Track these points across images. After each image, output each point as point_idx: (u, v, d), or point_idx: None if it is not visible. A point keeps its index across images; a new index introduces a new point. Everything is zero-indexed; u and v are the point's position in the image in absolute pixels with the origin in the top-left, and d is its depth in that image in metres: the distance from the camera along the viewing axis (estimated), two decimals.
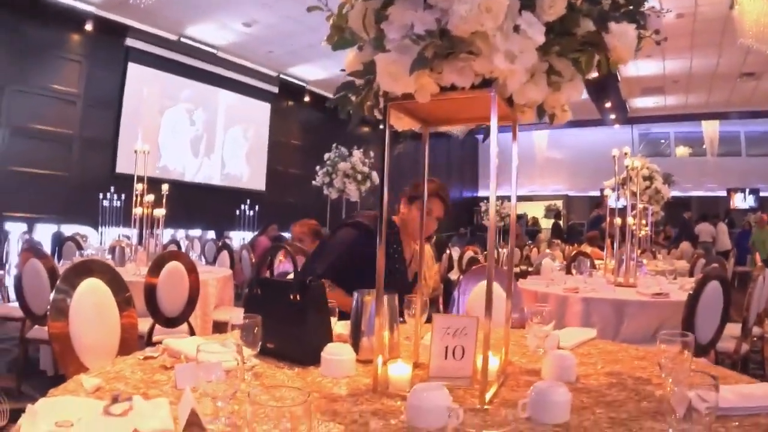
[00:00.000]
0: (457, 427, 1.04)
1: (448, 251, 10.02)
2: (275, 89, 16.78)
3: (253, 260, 6.78)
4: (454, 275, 9.33)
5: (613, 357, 2.05)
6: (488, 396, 1.46)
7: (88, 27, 12.33)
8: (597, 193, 19.05)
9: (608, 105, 16.83)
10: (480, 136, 21.35)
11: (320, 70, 16.06)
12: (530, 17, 1.28)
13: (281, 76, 16.74)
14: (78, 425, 1.23)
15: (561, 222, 18.33)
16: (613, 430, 1.29)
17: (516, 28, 1.26)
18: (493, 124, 1.41)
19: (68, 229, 10.93)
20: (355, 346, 1.86)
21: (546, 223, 20.07)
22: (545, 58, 1.37)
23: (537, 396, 1.33)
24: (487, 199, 19.26)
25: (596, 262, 6.47)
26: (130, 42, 13.25)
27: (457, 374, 1.57)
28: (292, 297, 1.90)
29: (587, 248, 8.74)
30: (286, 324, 1.85)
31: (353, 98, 1.52)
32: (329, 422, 1.29)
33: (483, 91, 1.37)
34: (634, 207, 5.81)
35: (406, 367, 1.55)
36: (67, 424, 1.23)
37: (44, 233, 11.33)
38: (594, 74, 1.51)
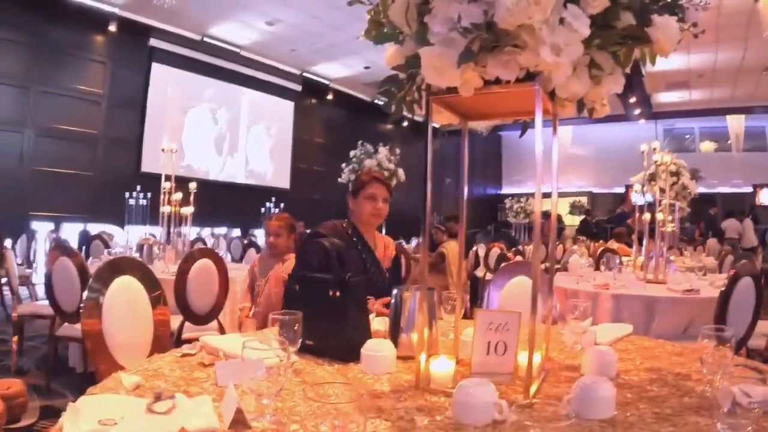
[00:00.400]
0: (508, 422, 1.03)
1: (474, 248, 9.97)
2: (298, 87, 16.85)
3: None
4: (480, 272, 9.30)
5: (650, 353, 2.03)
6: (531, 391, 1.44)
7: (112, 28, 12.49)
8: (622, 190, 18.90)
9: (633, 100, 16.63)
10: (503, 133, 21.26)
11: (343, 67, 16.11)
12: (575, 10, 1.26)
13: (304, 74, 16.80)
14: (121, 423, 1.23)
15: (589, 218, 18.09)
16: (659, 425, 1.28)
17: (561, 21, 1.25)
18: (538, 118, 1.40)
19: (94, 228, 11.06)
20: (394, 342, 1.85)
21: (570, 220, 19.87)
22: (586, 51, 1.36)
23: (582, 391, 1.31)
24: (512, 196, 19.23)
25: (623, 258, 6.41)
26: (153, 42, 13.39)
27: (499, 370, 1.56)
28: (331, 293, 1.89)
29: (614, 244, 8.68)
30: (326, 320, 1.84)
31: (396, 92, 1.51)
32: (375, 419, 1.29)
33: (527, 84, 1.36)
34: (660, 203, 5.74)
35: (449, 362, 1.54)
36: (111, 422, 1.23)
37: (71, 232, 11.48)
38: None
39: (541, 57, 1.22)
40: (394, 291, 1.94)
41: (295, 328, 1.63)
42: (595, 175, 21.59)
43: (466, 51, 1.24)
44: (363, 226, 3.09)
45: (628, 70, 1.46)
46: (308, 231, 3.37)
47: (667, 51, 1.42)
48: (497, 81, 1.37)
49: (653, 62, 1.47)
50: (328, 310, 1.88)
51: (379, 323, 2.18)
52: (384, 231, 10.88)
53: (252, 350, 1.28)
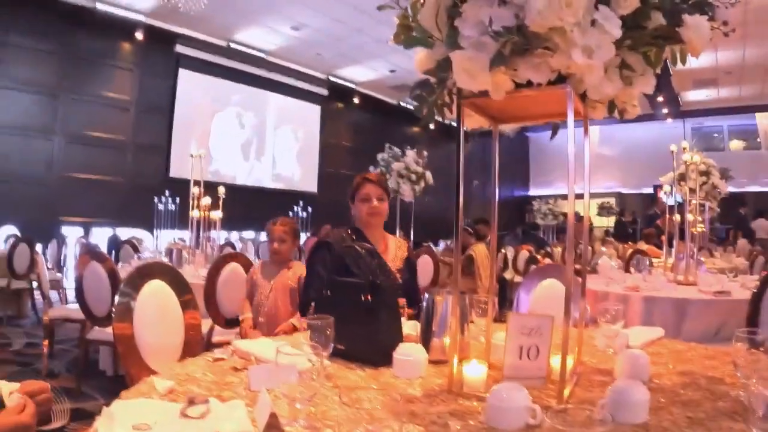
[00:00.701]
0: (542, 427, 1.02)
1: (502, 251, 9.91)
2: (325, 92, 16.93)
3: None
4: (508, 275, 9.25)
5: (683, 356, 2.01)
6: (564, 395, 1.44)
7: (139, 36, 12.67)
8: (650, 190, 18.65)
9: (660, 99, 16.44)
10: (530, 135, 21.14)
11: (369, 71, 16.14)
12: (606, 11, 1.25)
13: (330, 78, 16.87)
14: (155, 428, 1.24)
15: (625, 219, 17.81)
16: (692, 430, 1.27)
17: (593, 23, 1.24)
18: (570, 120, 1.39)
19: (124, 233, 11.21)
20: (426, 346, 1.85)
21: (598, 221, 19.66)
22: (618, 52, 1.34)
23: (616, 395, 1.30)
24: (539, 197, 19.10)
25: (653, 260, 6.33)
26: (180, 49, 13.53)
27: (532, 374, 1.55)
28: (363, 297, 1.89)
29: (643, 246, 8.58)
30: (357, 325, 1.84)
31: (427, 97, 1.51)
32: (408, 423, 1.28)
33: (559, 87, 1.35)
34: (690, 203, 5.67)
35: (481, 367, 1.53)
36: (145, 426, 1.24)
37: (100, 237, 11.64)
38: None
39: (573, 59, 1.21)
40: (426, 294, 1.93)
41: (327, 332, 1.63)
42: (623, 176, 21.34)
43: (498, 55, 1.23)
44: (366, 228, 3.14)
45: (657, 70, 1.44)
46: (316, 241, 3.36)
47: (698, 51, 1.41)
48: (528, 84, 1.36)
49: (684, 62, 1.46)
50: (359, 314, 1.88)
51: (410, 327, 2.18)
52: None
53: (286, 355, 1.28)
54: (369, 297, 1.89)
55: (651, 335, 2.27)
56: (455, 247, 1.60)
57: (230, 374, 1.71)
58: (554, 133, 1.77)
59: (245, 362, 1.78)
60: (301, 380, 1.26)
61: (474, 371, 1.53)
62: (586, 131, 1.70)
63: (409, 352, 1.72)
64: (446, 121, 1.58)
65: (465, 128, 1.76)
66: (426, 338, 1.90)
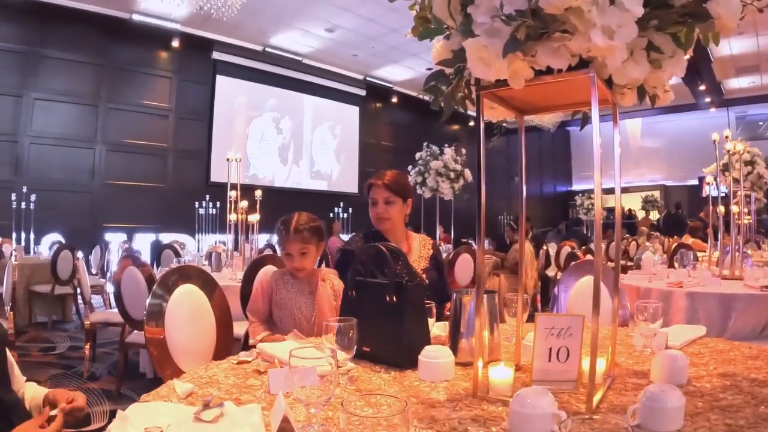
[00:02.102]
0: None
1: (544, 247, 9.78)
2: (362, 92, 17.03)
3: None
4: (551, 272, 9.13)
5: (725, 356, 1.90)
6: (595, 401, 1.36)
7: (175, 44, 12.92)
8: (695, 182, 18.21)
9: (702, 88, 16.01)
10: (571, 128, 20.82)
11: (406, 70, 16.15)
12: None
13: (367, 78, 16.94)
14: (167, 431, 1.23)
15: (681, 211, 17.33)
16: None
17: (612, 1, 1.16)
18: (594, 107, 1.31)
19: (166, 237, 11.38)
20: (454, 348, 1.79)
21: (643, 215, 19.23)
22: (643, 33, 1.26)
23: (648, 402, 1.22)
24: (582, 192, 18.81)
25: (699, 254, 6.15)
26: (216, 55, 13.75)
27: (562, 377, 1.47)
28: (388, 298, 1.85)
29: (688, 240, 8.36)
30: (383, 326, 1.80)
31: (444, 89, 1.45)
32: (427, 429, 1.23)
33: (581, 72, 1.27)
34: (735, 194, 5.48)
35: (508, 370, 1.47)
36: (156, 430, 1.23)
37: (143, 242, 11.85)
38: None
39: (592, 41, 1.13)
40: (454, 294, 1.87)
41: (350, 334, 1.60)
42: (668, 168, 20.86)
43: (512, 40, 1.17)
44: (384, 232, 3.08)
45: (690, 54, 1.36)
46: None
47: (729, 28, 1.31)
48: (549, 70, 1.29)
49: (716, 42, 1.36)
50: (384, 315, 1.84)
51: (439, 328, 2.13)
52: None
53: (300, 358, 1.24)
54: (394, 298, 1.84)
55: (692, 334, 2.17)
56: (479, 247, 1.54)
57: (252, 377, 1.68)
58: (584, 124, 1.69)
59: (269, 365, 1.76)
60: (321, 384, 1.23)
61: (500, 374, 1.46)
62: (615, 119, 1.62)
63: (435, 354, 1.66)
64: (486, 117, 1.50)
65: (490, 120, 1.71)
66: (454, 339, 1.84)
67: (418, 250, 3.13)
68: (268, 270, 4.34)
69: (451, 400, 1.44)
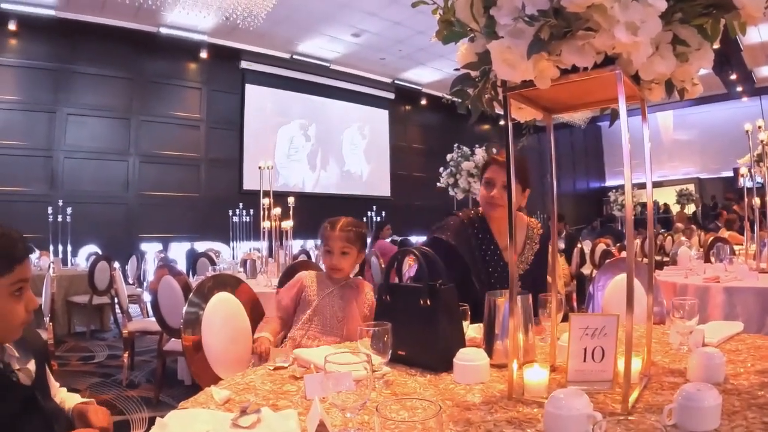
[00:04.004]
0: None
1: (579, 245, 9.67)
2: (391, 95, 17.08)
3: (383, 265, 6.83)
4: (586, 270, 9.02)
5: (763, 353, 1.85)
6: (631, 401, 1.34)
7: (204, 55, 13.13)
8: (730, 174, 17.87)
9: (733, 77, 15.72)
10: (602, 124, 20.59)
11: (434, 72, 16.15)
12: None
13: (396, 81, 17.00)
14: None
15: (718, 202, 16.97)
16: None
17: None
18: (622, 103, 1.29)
19: (201, 246, 11.52)
20: (489, 350, 1.79)
21: (677, 210, 18.92)
22: (668, 27, 1.25)
23: (684, 401, 1.20)
24: (615, 188, 18.58)
25: (736, 247, 6.04)
26: (245, 64, 13.93)
27: (597, 378, 1.46)
28: (422, 302, 1.85)
29: (724, 233, 8.22)
30: (417, 330, 1.80)
31: (470, 92, 1.45)
32: None
33: (607, 69, 1.26)
34: None
35: (543, 371, 1.46)
36: None
37: (179, 251, 12.01)
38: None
39: (616, 38, 1.13)
40: (487, 296, 1.86)
41: (385, 338, 1.61)
42: (702, 160, 20.48)
43: (535, 40, 1.16)
44: (490, 218, 2.75)
45: (718, 44, 1.34)
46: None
47: (755, 17, 1.28)
48: (575, 69, 1.28)
49: (743, 32, 1.33)
50: (419, 318, 1.84)
51: (474, 330, 2.12)
52: None
53: (335, 364, 1.25)
54: (428, 301, 1.84)
55: (729, 330, 2.12)
56: (510, 246, 1.53)
57: (289, 383, 1.69)
58: (612, 120, 1.67)
59: (305, 371, 1.77)
60: (356, 388, 1.24)
61: (535, 376, 1.45)
62: (643, 115, 1.60)
63: (470, 357, 1.66)
64: (514, 118, 1.49)
65: (518, 121, 1.70)
66: (488, 341, 1.83)
67: (521, 245, 2.75)
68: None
69: (486, 403, 1.43)
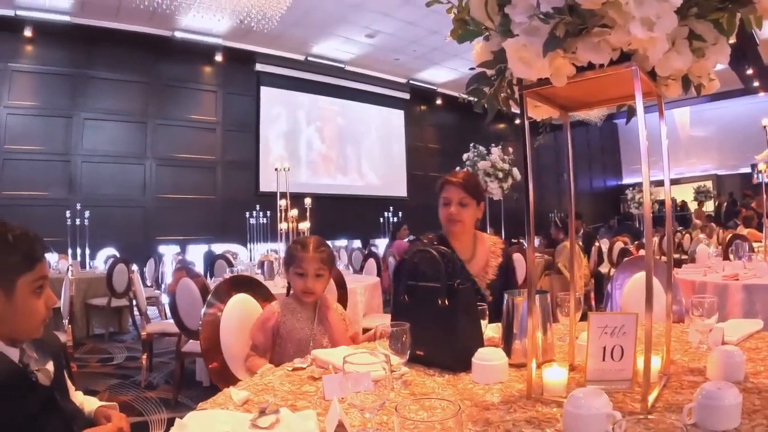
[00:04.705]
0: None
1: (597, 244, 9.61)
2: (407, 96, 17.09)
3: None
4: (604, 268, 8.96)
5: None
6: (650, 400, 1.33)
7: (218, 58, 13.22)
8: (748, 170, 17.66)
9: (750, 72, 15.54)
10: (619, 121, 20.45)
11: (449, 71, 16.14)
12: None
13: (411, 82, 17.00)
14: None
15: (732, 200, 16.74)
16: None
17: None
18: (638, 100, 1.28)
19: (219, 248, 11.57)
20: (507, 349, 1.78)
21: (694, 207, 18.74)
22: (684, 22, 1.24)
23: (704, 400, 1.19)
24: (632, 186, 18.42)
25: (754, 245, 5.97)
26: (259, 67, 14.00)
27: (617, 377, 1.45)
28: (440, 302, 1.84)
29: (743, 230, 8.13)
30: (436, 330, 1.80)
31: (486, 90, 1.44)
32: None
33: (623, 66, 1.25)
34: None
35: (562, 370, 1.45)
36: None
37: (196, 253, 12.07)
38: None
39: (632, 34, 1.12)
40: (506, 296, 1.86)
41: (404, 339, 1.61)
42: (719, 157, 20.26)
43: (551, 38, 1.16)
44: (450, 236, 2.88)
45: (734, 38, 1.32)
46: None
47: None
48: (591, 66, 1.27)
49: (759, 26, 1.32)
50: (437, 319, 1.83)
51: (492, 330, 2.12)
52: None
53: (354, 364, 1.25)
54: (446, 301, 1.84)
55: (749, 328, 2.10)
56: (528, 246, 1.53)
57: (307, 384, 1.70)
58: (629, 117, 1.66)
59: (323, 371, 1.77)
60: (375, 389, 1.24)
61: (554, 375, 1.45)
62: (660, 111, 1.59)
63: (488, 357, 1.65)
64: (530, 116, 1.49)
65: (534, 119, 1.69)
66: (507, 341, 1.83)
67: (484, 258, 2.88)
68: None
69: (505, 402, 1.43)
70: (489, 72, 1.44)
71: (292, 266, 2.58)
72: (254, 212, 12.20)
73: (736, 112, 18.52)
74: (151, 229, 12.18)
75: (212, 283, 5.01)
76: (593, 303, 7.02)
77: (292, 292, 2.68)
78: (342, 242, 14.49)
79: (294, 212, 6.41)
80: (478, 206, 2.89)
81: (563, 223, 7.89)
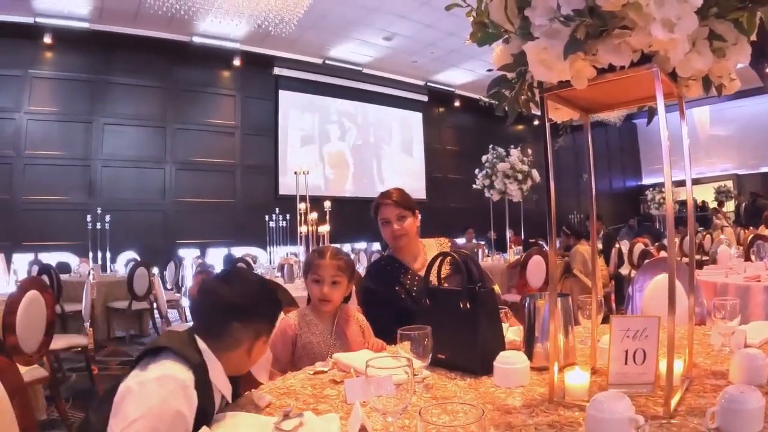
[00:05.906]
0: None
1: (617, 245, 9.51)
2: (425, 98, 17.05)
3: None
4: (625, 270, 8.88)
5: None
6: (673, 404, 1.32)
7: (237, 62, 13.28)
8: None
9: None
10: (638, 121, 20.30)
11: (467, 73, 16.07)
12: None
13: (428, 84, 16.96)
14: None
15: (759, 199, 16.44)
16: None
17: None
18: (660, 101, 1.28)
19: (238, 251, 11.62)
20: (529, 352, 1.78)
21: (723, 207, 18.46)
22: (704, 22, 1.23)
23: (727, 403, 1.17)
24: (653, 186, 18.23)
25: None
26: (277, 71, 14.04)
27: (639, 380, 1.44)
28: (462, 305, 1.84)
29: (765, 230, 8.03)
30: (457, 333, 1.81)
31: (507, 93, 1.44)
32: None
33: (644, 67, 1.25)
34: None
35: (584, 374, 1.44)
36: None
37: (216, 257, 12.11)
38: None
39: (653, 35, 1.11)
40: (527, 299, 1.85)
41: (425, 342, 1.60)
42: (740, 156, 19.97)
43: (572, 40, 1.16)
44: (396, 251, 3.01)
45: (754, 37, 1.31)
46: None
47: None
48: (611, 68, 1.27)
49: None
50: (458, 322, 1.84)
51: (513, 333, 2.11)
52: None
53: (376, 368, 1.25)
54: (468, 305, 1.84)
55: None
56: (550, 248, 1.52)
57: (329, 387, 1.71)
58: (650, 118, 1.65)
59: (345, 375, 1.78)
60: (397, 392, 1.23)
61: (576, 379, 1.44)
62: (681, 112, 1.58)
63: (510, 360, 1.65)
64: (551, 119, 1.48)
65: (555, 121, 1.68)
66: (528, 344, 1.82)
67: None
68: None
69: (527, 406, 1.43)
70: (509, 75, 1.44)
71: (310, 273, 2.52)
72: (273, 215, 12.23)
73: (757, 110, 18.29)
74: (170, 233, 12.26)
75: None
76: (614, 305, 6.97)
77: (311, 302, 2.59)
78: (361, 245, 14.48)
79: (313, 215, 6.43)
80: (414, 216, 3.04)
81: (571, 229, 7.80)
